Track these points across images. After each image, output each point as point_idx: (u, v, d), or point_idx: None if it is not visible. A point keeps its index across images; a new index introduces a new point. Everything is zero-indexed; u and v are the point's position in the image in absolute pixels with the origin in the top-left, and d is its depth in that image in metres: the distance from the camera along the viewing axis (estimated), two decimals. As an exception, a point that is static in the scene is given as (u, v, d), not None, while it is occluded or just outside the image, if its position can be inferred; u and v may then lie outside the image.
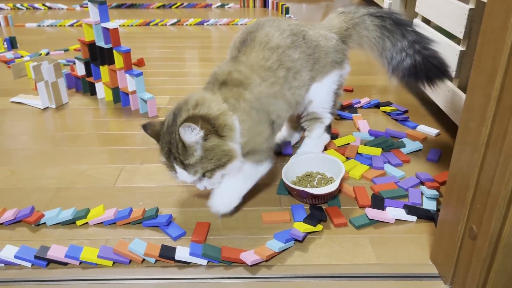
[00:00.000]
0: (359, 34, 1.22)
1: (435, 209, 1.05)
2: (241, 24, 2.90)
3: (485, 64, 0.68)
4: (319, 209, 1.04)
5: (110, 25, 1.52)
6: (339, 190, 1.13)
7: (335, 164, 1.14)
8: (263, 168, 1.03)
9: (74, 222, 1.02)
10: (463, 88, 1.26)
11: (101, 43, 1.57)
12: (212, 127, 0.89)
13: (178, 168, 0.91)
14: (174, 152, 0.90)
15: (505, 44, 0.63)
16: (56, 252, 0.90)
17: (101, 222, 1.02)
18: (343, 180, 1.11)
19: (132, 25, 2.89)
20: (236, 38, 1.12)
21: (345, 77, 1.25)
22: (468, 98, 0.74)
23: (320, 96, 1.19)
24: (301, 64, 1.10)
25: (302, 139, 1.31)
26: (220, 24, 2.92)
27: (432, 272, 0.88)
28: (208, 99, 0.93)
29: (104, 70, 1.63)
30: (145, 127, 0.96)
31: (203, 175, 0.92)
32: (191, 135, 0.86)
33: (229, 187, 0.99)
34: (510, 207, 0.65)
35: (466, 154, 0.74)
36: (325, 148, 1.32)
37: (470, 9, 1.19)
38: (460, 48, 1.25)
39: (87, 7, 3.45)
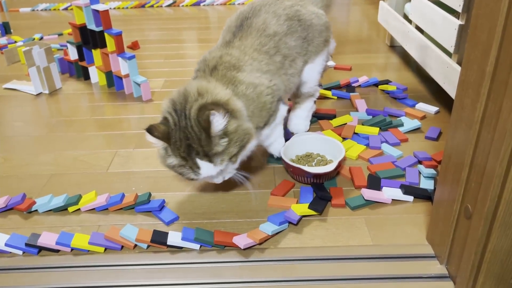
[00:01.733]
0: None
1: (432, 188, 1.03)
2: (238, 4, 2.85)
3: (480, 37, 0.65)
4: (325, 192, 1.02)
5: (100, 7, 1.48)
6: (337, 172, 1.11)
7: (336, 147, 1.12)
8: (281, 113, 1.05)
9: (66, 209, 1.01)
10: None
11: (92, 26, 1.54)
12: (227, 111, 0.86)
13: (202, 163, 0.85)
14: (196, 147, 0.84)
15: (499, 16, 0.60)
16: (47, 239, 0.89)
17: (93, 208, 1.01)
18: (341, 161, 1.09)
19: (127, 7, 2.84)
20: (230, 22, 1.09)
21: (331, 52, 1.27)
22: (463, 74, 0.71)
23: (313, 76, 1.20)
24: (297, 52, 1.09)
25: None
26: (217, 4, 2.87)
27: (428, 252, 0.86)
28: (209, 86, 0.90)
29: (96, 53, 1.60)
30: (150, 131, 0.85)
31: (228, 162, 0.88)
32: (218, 122, 0.83)
33: (277, 135, 1.08)
34: (505, 186, 0.62)
35: (461, 132, 0.72)
36: (322, 129, 1.30)
37: (469, -19, 1.15)
38: (459, 22, 1.21)
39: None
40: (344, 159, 1.11)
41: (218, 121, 0.83)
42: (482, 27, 0.64)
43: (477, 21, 0.66)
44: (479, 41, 0.66)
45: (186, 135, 0.85)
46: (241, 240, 0.87)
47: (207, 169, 0.86)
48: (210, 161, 0.85)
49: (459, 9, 1.20)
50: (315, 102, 1.29)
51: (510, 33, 0.59)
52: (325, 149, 1.15)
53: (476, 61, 0.67)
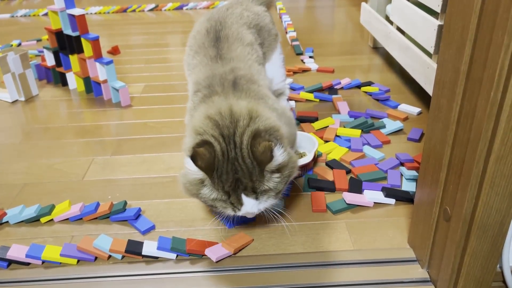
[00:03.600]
0: None
1: (414, 190, 1.01)
2: (222, 7, 2.83)
3: (454, 35, 0.64)
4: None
5: (76, 11, 1.45)
6: (313, 163, 1.12)
7: (308, 140, 1.13)
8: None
9: (39, 220, 0.97)
10: (443, 64, 1.21)
11: (68, 31, 1.51)
12: (280, 140, 0.76)
13: (247, 200, 0.74)
14: (246, 181, 0.73)
15: (472, 13, 0.59)
16: (17, 252, 0.86)
17: (67, 218, 0.97)
18: (316, 156, 1.08)
19: (108, 12, 2.80)
20: (200, 40, 1.00)
21: None
22: (439, 73, 0.69)
23: (276, 72, 1.18)
24: (262, 57, 1.08)
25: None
26: (200, 8, 2.85)
27: (409, 256, 0.85)
28: (259, 109, 0.79)
29: (73, 59, 1.57)
30: (194, 159, 0.71)
31: (272, 200, 0.77)
32: (278, 156, 0.72)
33: None
34: (482, 187, 0.61)
35: (438, 132, 0.70)
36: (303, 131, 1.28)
37: (447, -19, 1.14)
38: (438, 22, 1.20)
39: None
40: (322, 158, 1.12)
41: (278, 155, 0.72)
42: (456, 26, 0.63)
43: (451, 20, 0.65)
44: (453, 40, 0.64)
45: (235, 168, 0.73)
46: (214, 253, 0.84)
47: (250, 207, 0.75)
48: (257, 198, 0.75)
49: (438, 9, 1.19)
50: (288, 100, 1.27)
51: (484, 31, 0.58)
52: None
53: (450, 60, 0.65)
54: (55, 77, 1.67)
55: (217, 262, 0.85)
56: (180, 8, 2.84)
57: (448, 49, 0.65)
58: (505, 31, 0.53)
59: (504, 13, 0.53)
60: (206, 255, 0.86)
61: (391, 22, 1.63)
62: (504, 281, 0.74)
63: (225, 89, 0.85)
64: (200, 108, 0.83)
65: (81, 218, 0.97)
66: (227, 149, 0.74)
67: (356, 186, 1.03)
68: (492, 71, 0.56)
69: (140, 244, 0.87)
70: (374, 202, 0.99)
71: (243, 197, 0.74)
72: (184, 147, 0.79)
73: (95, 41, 1.46)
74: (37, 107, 1.53)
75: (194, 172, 0.73)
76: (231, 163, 0.73)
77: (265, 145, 0.71)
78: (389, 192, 1.00)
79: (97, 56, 1.48)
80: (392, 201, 0.99)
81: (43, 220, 0.97)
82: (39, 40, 2.23)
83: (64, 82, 1.66)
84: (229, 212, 0.77)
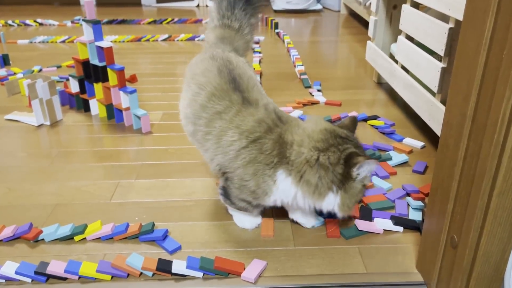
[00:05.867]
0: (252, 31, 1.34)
1: (420, 219, 1.10)
2: (231, 39, 2.96)
3: (461, 85, 0.74)
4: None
5: (104, 44, 1.56)
6: None
7: None
8: None
9: (72, 238, 1.04)
10: (445, 102, 1.31)
11: (95, 61, 1.61)
12: None
13: None
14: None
15: (477, 67, 0.69)
16: (56, 267, 0.93)
17: (99, 237, 1.04)
18: None
19: (123, 41, 2.93)
20: (217, 82, 1.03)
21: None
22: (447, 116, 0.79)
23: None
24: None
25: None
26: (211, 39, 2.97)
27: (418, 280, 0.92)
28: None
29: (98, 87, 1.67)
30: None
31: None
32: None
33: None
34: (486, 218, 0.69)
35: (446, 168, 0.79)
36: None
37: (450, 28, 1.25)
38: (442, 65, 1.31)
39: (78, 23, 3.48)
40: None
41: None
42: (463, 76, 0.73)
43: (458, 71, 0.74)
44: (460, 88, 0.74)
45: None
46: (250, 273, 0.92)
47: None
48: None
49: (441, 53, 1.30)
50: None
51: (487, 84, 0.67)
52: None
53: (458, 105, 0.75)
54: (78, 103, 1.77)
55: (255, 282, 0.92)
56: (192, 39, 2.98)
57: (456, 96, 0.75)
58: (506, 85, 0.62)
59: (505, 70, 0.63)
60: (232, 274, 0.93)
61: (395, 60, 1.75)
62: (505, 305, 0.81)
63: (278, 126, 0.95)
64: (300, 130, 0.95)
65: (112, 238, 1.05)
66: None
67: (366, 214, 1.11)
68: (495, 118, 0.65)
69: (170, 262, 0.94)
70: (384, 230, 1.07)
71: None
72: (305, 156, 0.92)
73: (120, 72, 1.57)
74: (61, 131, 1.62)
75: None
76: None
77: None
78: (397, 220, 1.08)
79: (122, 85, 1.58)
80: (400, 228, 1.07)
81: (76, 238, 1.04)
82: (59, 67, 2.34)
83: (86, 108, 1.75)
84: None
